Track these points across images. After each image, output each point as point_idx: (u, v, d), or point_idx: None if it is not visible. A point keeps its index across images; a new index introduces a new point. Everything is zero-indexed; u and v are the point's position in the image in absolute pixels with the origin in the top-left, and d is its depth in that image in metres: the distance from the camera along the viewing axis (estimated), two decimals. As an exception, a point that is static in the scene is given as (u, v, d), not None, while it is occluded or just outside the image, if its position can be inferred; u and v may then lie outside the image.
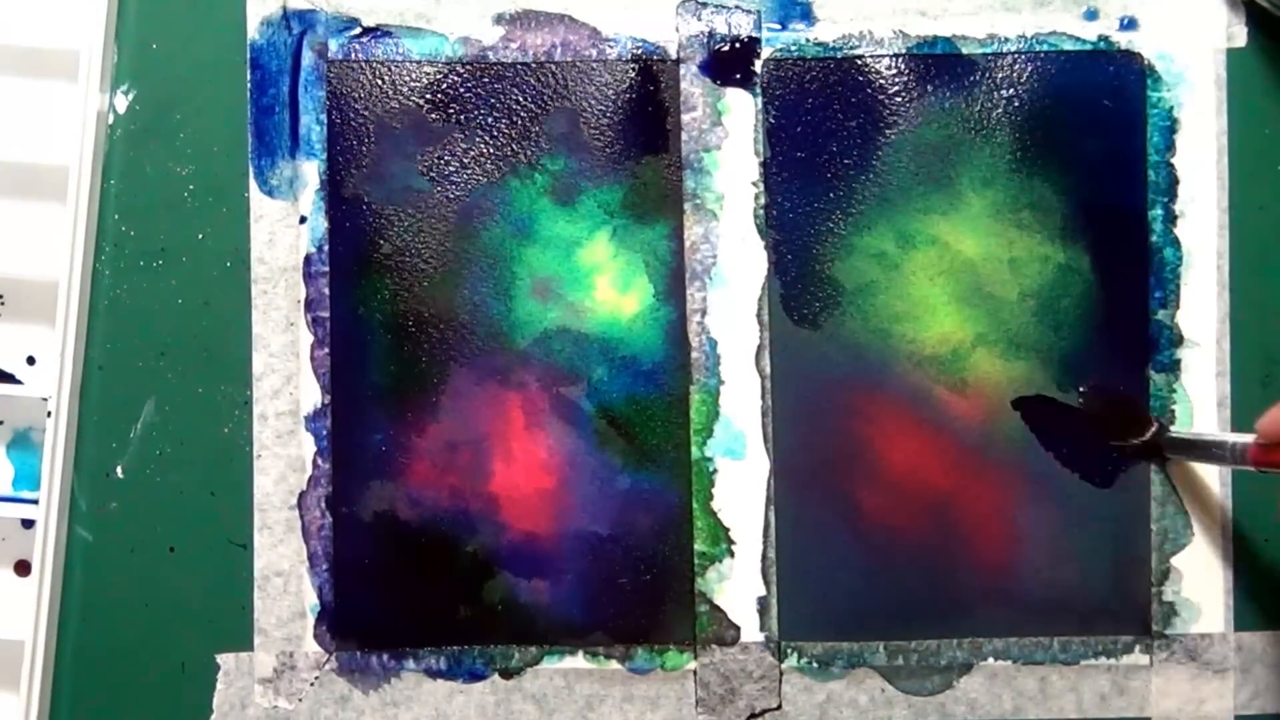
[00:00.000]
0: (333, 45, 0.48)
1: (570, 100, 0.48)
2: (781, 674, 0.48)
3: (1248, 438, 0.42)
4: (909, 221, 0.48)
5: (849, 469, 0.48)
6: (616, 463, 0.48)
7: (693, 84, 0.48)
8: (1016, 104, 0.48)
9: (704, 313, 0.48)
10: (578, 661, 0.48)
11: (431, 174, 0.48)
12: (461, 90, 0.48)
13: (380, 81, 0.48)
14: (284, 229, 0.48)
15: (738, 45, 0.48)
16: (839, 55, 0.48)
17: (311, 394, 0.48)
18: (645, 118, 0.48)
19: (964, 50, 0.48)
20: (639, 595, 0.48)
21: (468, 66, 0.48)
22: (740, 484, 0.48)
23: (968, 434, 0.48)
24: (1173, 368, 0.48)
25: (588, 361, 0.48)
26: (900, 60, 0.48)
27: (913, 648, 0.48)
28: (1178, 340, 0.48)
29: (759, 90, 0.48)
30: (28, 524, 0.50)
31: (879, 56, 0.48)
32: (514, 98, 0.48)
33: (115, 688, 0.48)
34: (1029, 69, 0.48)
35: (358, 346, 0.48)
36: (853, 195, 0.48)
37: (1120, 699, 0.48)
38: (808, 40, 0.48)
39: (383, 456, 0.48)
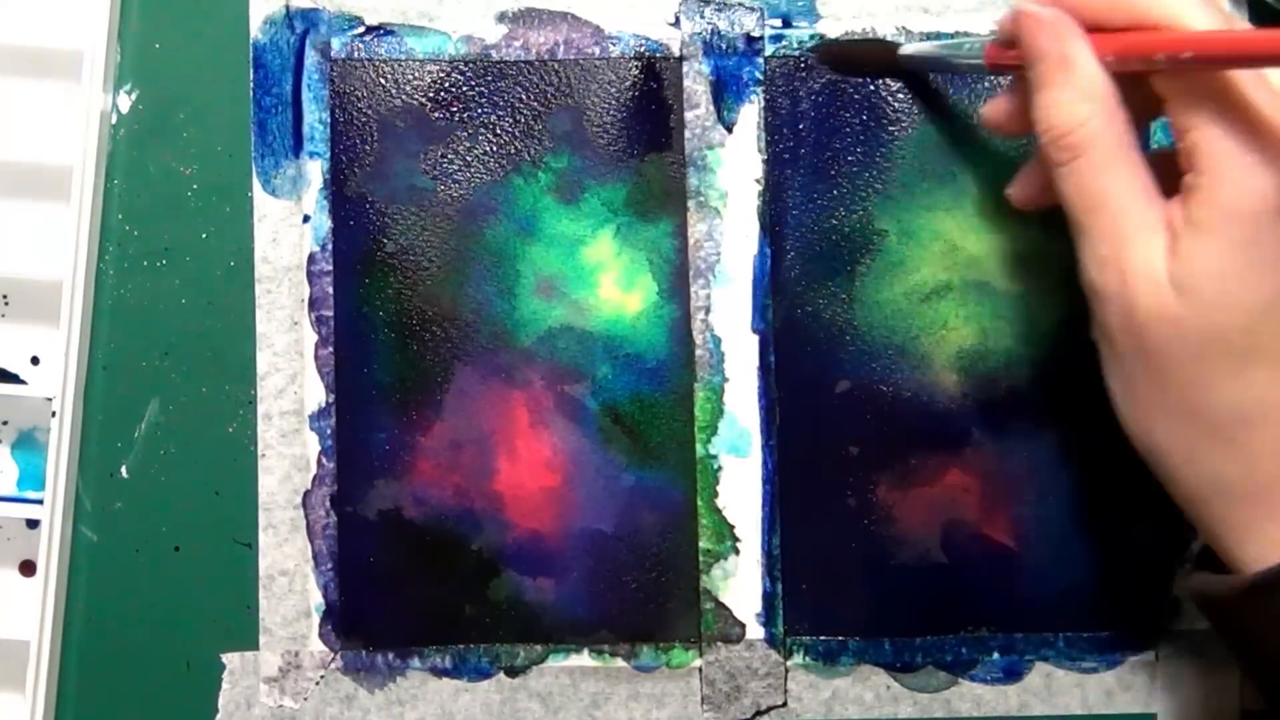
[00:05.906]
0: (336, 44, 0.48)
1: (573, 98, 0.48)
2: (787, 671, 0.48)
3: (985, 36, 0.43)
4: (913, 218, 0.48)
5: (854, 465, 0.48)
6: (621, 460, 0.48)
7: (696, 81, 0.48)
8: (1020, 100, 0.48)
9: (708, 310, 0.48)
10: (583, 659, 0.48)
11: (435, 172, 0.48)
12: (464, 89, 0.48)
13: (383, 80, 0.48)
14: (287, 228, 0.48)
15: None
16: (842, 52, 0.48)
17: (316, 393, 0.48)
18: (648, 115, 0.48)
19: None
20: (644, 593, 0.48)
21: (471, 65, 0.48)
22: (745, 481, 0.48)
23: (972, 430, 0.48)
24: (1177, 363, 0.48)
25: (592, 359, 0.48)
26: (903, 57, 0.48)
27: (918, 644, 0.48)
28: (1182, 336, 0.48)
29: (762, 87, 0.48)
30: (32, 524, 0.50)
31: (882, 53, 0.48)
32: (517, 96, 0.48)
33: (120, 687, 0.48)
34: (1032, 65, 0.48)
35: (362, 345, 0.48)
36: (856, 192, 0.48)
37: (1125, 695, 0.48)
38: (811, 37, 0.48)
39: (387, 455, 0.48)
